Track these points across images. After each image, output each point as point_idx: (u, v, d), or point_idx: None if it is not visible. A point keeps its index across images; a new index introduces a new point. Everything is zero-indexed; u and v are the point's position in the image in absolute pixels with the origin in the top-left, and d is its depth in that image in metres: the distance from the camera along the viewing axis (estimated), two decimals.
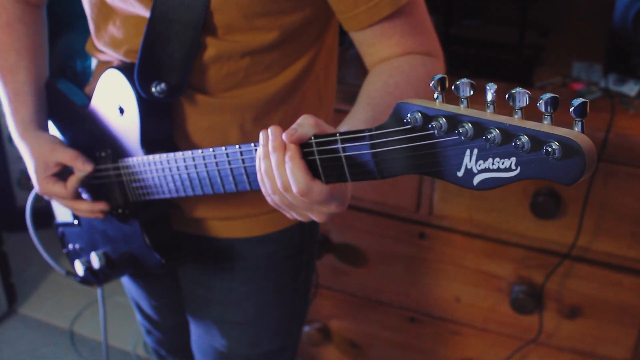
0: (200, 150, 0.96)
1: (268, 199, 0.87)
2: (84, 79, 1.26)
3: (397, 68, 0.99)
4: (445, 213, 1.69)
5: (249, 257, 1.23)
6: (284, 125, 0.84)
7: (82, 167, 1.12)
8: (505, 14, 1.90)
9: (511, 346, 1.77)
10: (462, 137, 0.65)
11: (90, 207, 1.15)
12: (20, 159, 2.38)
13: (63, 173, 1.16)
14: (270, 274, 1.26)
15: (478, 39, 1.84)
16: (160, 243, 1.13)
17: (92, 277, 1.26)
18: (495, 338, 1.79)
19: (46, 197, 1.20)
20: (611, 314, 1.63)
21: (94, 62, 1.23)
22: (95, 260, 1.22)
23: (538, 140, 0.59)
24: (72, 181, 1.13)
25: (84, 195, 1.19)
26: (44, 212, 1.44)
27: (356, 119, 0.90)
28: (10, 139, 2.62)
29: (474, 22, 1.92)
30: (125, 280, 1.43)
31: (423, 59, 1.01)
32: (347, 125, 0.89)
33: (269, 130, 0.83)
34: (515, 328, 1.75)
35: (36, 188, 1.18)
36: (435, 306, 1.83)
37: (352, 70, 1.72)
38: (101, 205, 1.15)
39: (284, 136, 0.81)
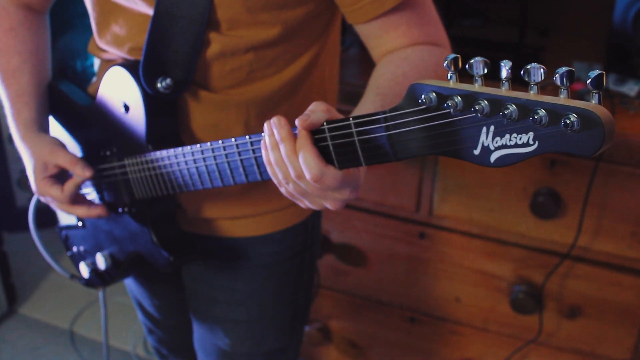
0: (209, 143, 0.95)
1: (281, 189, 0.87)
2: (84, 79, 1.26)
3: (404, 59, 0.98)
4: (445, 213, 1.69)
5: (254, 256, 1.23)
6: (289, 121, 0.83)
7: (81, 173, 1.10)
8: (505, 14, 1.90)
9: (511, 346, 1.77)
10: (479, 115, 0.64)
11: (87, 212, 1.14)
12: (20, 159, 2.39)
13: (61, 176, 1.15)
14: (274, 273, 1.26)
15: (478, 39, 1.84)
16: (167, 241, 1.12)
17: (98, 279, 1.25)
18: (495, 338, 1.79)
19: (42, 199, 1.19)
20: (611, 314, 1.63)
21: (96, 63, 1.23)
22: (100, 262, 1.21)
23: (556, 113, 0.59)
24: (70, 185, 1.12)
25: (91, 196, 1.19)
26: (44, 211, 1.44)
27: (365, 110, 0.89)
28: (10, 139, 2.62)
29: (474, 22, 1.92)
30: (127, 280, 1.43)
31: (430, 49, 1.00)
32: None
33: (273, 121, 0.82)
34: (515, 328, 1.75)
35: (33, 189, 1.17)
36: (435, 306, 1.83)
37: (352, 70, 1.72)
38: (98, 210, 1.14)
39: (296, 122, 0.80)
